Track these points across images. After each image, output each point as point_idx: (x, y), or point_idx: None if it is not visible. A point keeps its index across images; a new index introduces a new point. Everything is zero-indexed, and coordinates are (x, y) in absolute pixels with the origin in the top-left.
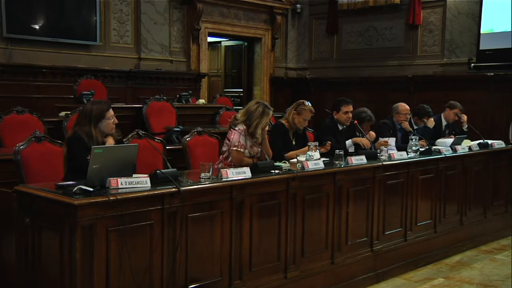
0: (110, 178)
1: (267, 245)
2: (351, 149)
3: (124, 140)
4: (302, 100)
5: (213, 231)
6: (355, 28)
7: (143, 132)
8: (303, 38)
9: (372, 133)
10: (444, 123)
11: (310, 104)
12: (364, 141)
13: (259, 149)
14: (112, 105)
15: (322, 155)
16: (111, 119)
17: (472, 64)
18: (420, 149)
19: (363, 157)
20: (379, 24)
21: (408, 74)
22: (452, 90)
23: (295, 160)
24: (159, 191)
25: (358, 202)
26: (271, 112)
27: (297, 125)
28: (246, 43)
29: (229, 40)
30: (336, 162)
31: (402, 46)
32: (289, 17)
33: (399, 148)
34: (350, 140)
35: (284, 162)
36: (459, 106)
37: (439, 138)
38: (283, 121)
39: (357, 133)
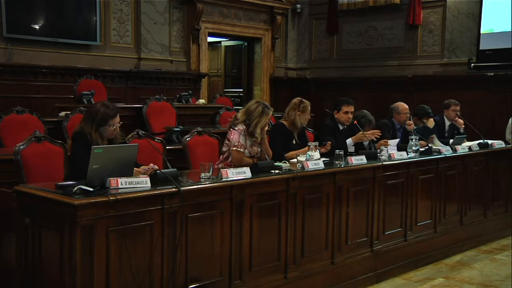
0: (110, 178)
1: (267, 245)
2: (351, 149)
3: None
4: (299, 98)
5: (213, 231)
6: (355, 28)
7: (143, 132)
8: (303, 38)
9: (375, 131)
10: (447, 123)
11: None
12: (363, 137)
13: (259, 149)
14: None
15: (322, 155)
16: (112, 126)
17: (472, 64)
18: (420, 149)
19: (363, 157)
20: (379, 24)
21: (408, 74)
22: (452, 90)
23: (295, 160)
24: (159, 191)
25: (358, 202)
26: (270, 112)
27: (302, 123)
28: (246, 43)
29: (229, 40)
30: (336, 162)
31: (402, 46)
32: (289, 17)
33: (399, 148)
34: (350, 139)
35: (284, 162)
36: (453, 102)
37: (442, 138)
38: (283, 121)
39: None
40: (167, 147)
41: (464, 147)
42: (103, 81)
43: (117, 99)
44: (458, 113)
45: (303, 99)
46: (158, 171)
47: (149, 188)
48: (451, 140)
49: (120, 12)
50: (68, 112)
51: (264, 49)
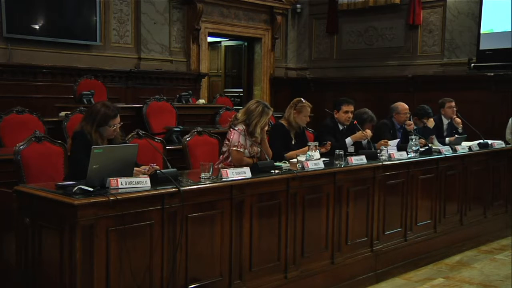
0: (110, 178)
1: (267, 245)
2: (351, 149)
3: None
4: (298, 98)
5: (213, 231)
6: (355, 28)
7: (143, 132)
8: (303, 38)
9: (368, 131)
10: (445, 122)
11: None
12: (362, 136)
13: (259, 149)
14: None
15: (322, 155)
16: (113, 126)
17: (472, 64)
18: (420, 149)
19: (363, 157)
20: (379, 24)
21: (408, 74)
22: (452, 90)
23: (295, 160)
24: (159, 191)
25: (358, 202)
26: (270, 112)
27: (299, 123)
28: (246, 43)
29: (229, 40)
30: (336, 162)
31: (402, 46)
32: (289, 17)
33: (399, 148)
34: (349, 138)
35: (284, 162)
36: (447, 99)
37: (440, 138)
38: (283, 122)
39: None
40: (167, 147)
41: (464, 147)
42: (103, 81)
43: (117, 99)
44: (455, 109)
45: (303, 100)
46: (158, 171)
47: (149, 188)
48: (446, 139)
49: (120, 12)
50: (68, 112)
51: (264, 49)
